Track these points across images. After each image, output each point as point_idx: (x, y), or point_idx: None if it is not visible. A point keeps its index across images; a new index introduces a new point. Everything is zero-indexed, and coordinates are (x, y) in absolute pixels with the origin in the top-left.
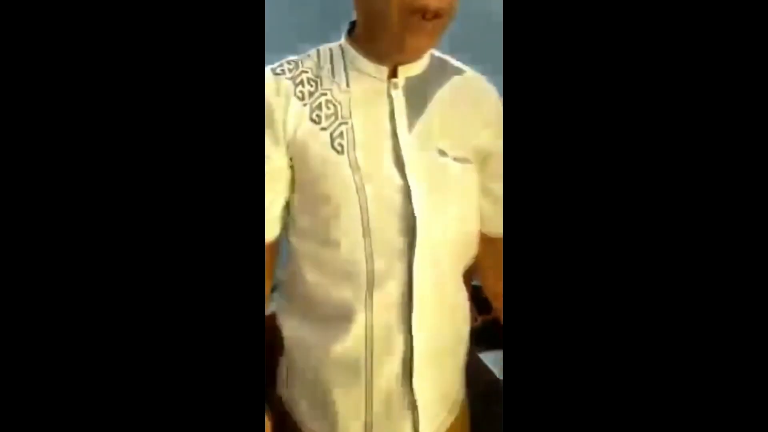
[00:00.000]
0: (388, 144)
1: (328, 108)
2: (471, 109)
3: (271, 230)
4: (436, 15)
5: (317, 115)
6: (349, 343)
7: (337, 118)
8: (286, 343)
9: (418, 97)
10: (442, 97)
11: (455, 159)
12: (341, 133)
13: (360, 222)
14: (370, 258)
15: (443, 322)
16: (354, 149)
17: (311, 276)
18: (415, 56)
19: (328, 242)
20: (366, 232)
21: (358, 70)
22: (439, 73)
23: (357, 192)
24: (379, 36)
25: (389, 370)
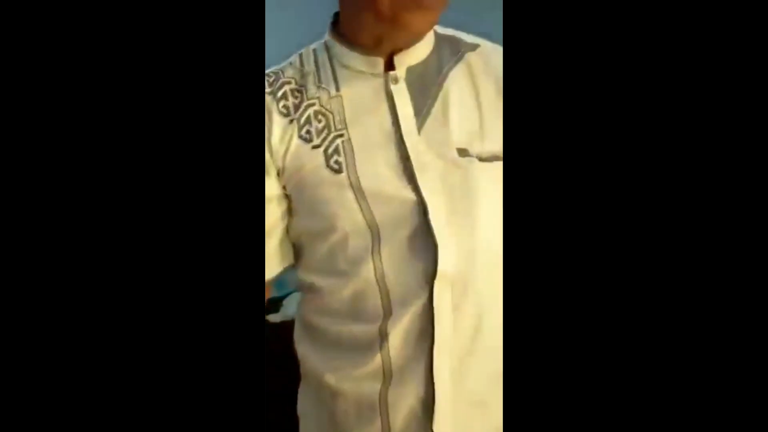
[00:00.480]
0: (393, 152)
1: (318, 121)
2: (493, 88)
3: (270, 268)
4: None
5: (307, 132)
6: (364, 379)
7: (330, 132)
8: (302, 367)
9: (425, 88)
10: (455, 81)
11: (481, 158)
12: (337, 149)
13: (369, 250)
14: (383, 289)
15: (478, 361)
16: (354, 166)
17: (320, 309)
18: (417, 36)
19: (336, 273)
20: (377, 260)
21: (348, 68)
22: (447, 53)
23: (363, 216)
24: (369, 18)
25: (407, 410)
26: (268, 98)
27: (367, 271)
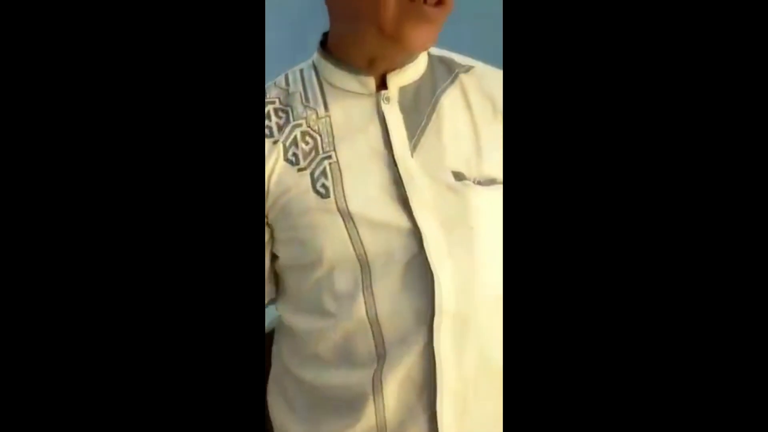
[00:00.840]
0: (385, 175)
1: (305, 142)
2: (489, 110)
3: None
4: (440, 1)
5: (293, 154)
6: None
7: (318, 154)
8: None
9: (418, 109)
10: (450, 103)
11: (478, 182)
12: (324, 171)
13: (360, 284)
14: (376, 329)
15: (484, 401)
16: (342, 190)
17: (304, 355)
18: (417, 52)
19: (323, 313)
20: (368, 296)
21: (338, 87)
22: (441, 74)
23: (352, 246)
24: (370, 33)
25: None
26: None
27: (358, 309)
